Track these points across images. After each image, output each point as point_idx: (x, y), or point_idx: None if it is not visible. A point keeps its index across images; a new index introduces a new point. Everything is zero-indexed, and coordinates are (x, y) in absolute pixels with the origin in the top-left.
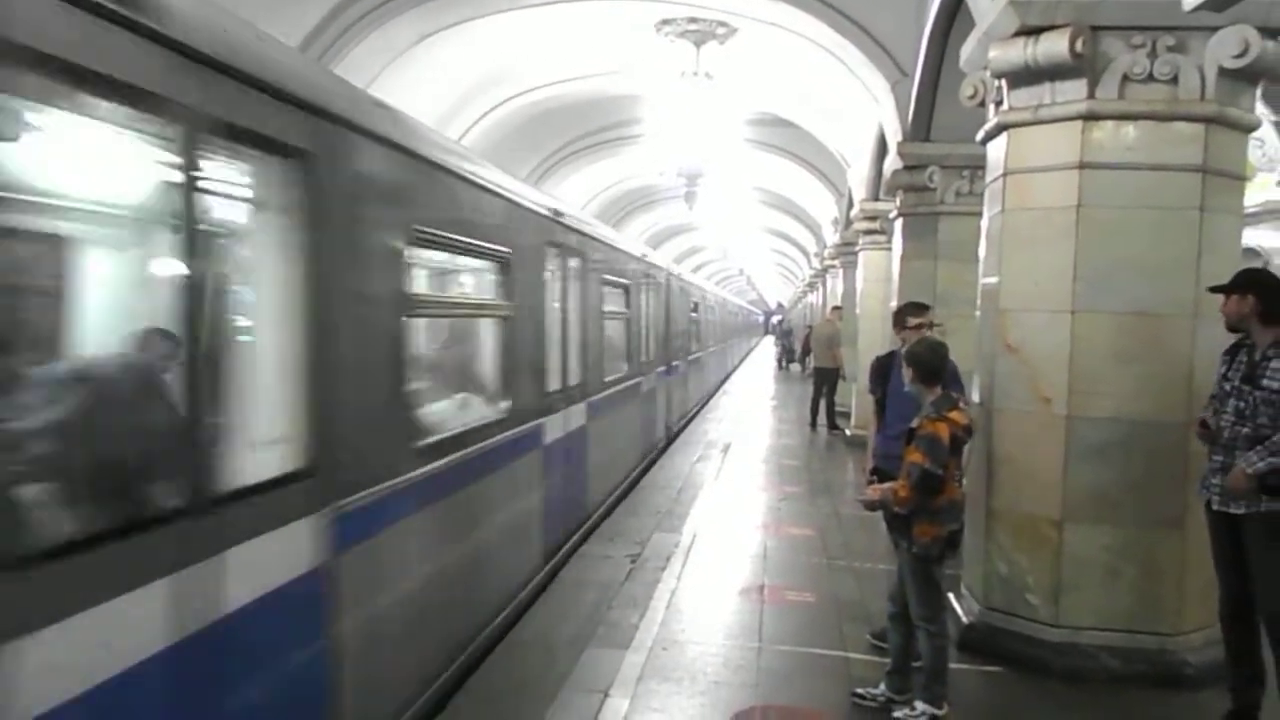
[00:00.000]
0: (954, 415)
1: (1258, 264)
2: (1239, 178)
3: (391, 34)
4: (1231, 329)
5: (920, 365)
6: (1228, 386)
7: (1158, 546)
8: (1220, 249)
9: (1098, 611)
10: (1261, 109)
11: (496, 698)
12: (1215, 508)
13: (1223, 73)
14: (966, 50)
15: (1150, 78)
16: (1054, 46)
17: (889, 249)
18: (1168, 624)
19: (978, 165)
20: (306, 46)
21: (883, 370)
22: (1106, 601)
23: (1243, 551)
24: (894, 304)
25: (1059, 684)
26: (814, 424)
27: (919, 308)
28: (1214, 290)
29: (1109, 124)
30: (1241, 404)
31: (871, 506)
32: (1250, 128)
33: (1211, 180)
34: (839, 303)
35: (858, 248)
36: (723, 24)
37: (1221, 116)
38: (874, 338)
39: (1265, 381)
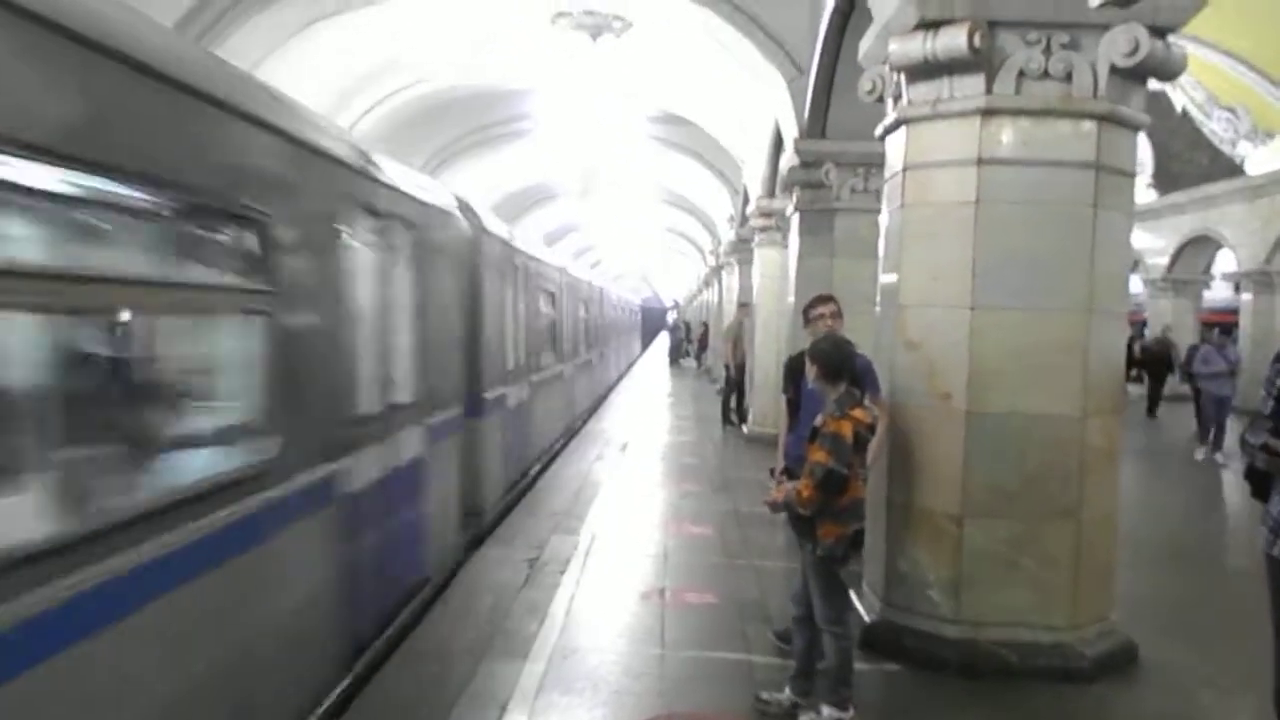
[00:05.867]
0: (857, 413)
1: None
2: (1129, 175)
3: (277, 18)
4: None
5: (824, 362)
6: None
7: (1053, 539)
8: (1112, 245)
9: (996, 606)
10: None
11: (392, 711)
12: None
13: (1114, 71)
14: (865, 44)
15: (1045, 74)
16: (952, 41)
17: (784, 246)
18: (1063, 617)
19: (873, 162)
20: (184, 26)
21: (795, 369)
22: (1004, 596)
23: None
24: (791, 300)
25: (959, 680)
26: (726, 420)
27: (823, 299)
28: None
29: (1006, 120)
30: None
31: (776, 508)
32: (1139, 126)
33: (1104, 177)
34: (745, 299)
35: (754, 245)
36: (619, 17)
37: (1113, 114)
38: (769, 334)
39: None
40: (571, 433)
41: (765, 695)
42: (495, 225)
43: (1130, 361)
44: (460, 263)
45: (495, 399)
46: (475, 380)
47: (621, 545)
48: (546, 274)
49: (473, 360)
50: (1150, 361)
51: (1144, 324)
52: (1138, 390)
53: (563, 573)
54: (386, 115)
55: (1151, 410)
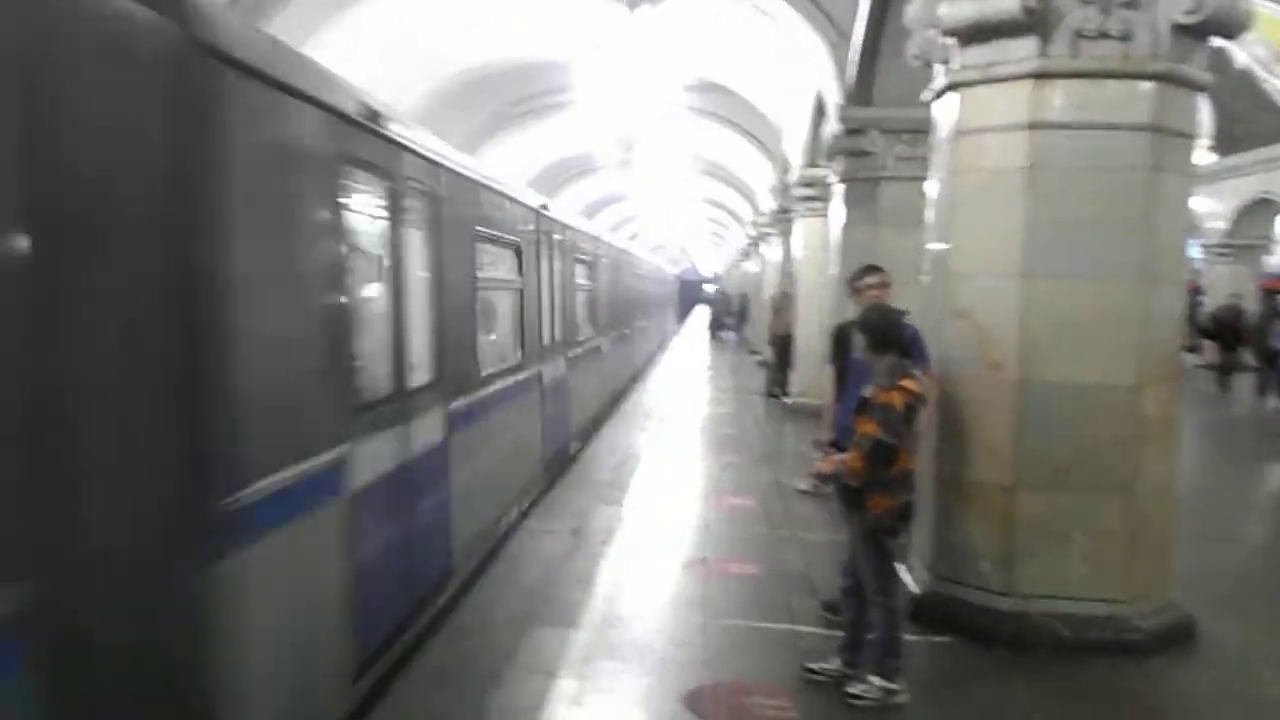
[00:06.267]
0: (907, 384)
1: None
2: (1189, 137)
3: None
4: None
5: (872, 333)
6: None
7: (1107, 511)
8: (1170, 209)
9: (1048, 579)
10: None
11: (440, 681)
12: None
13: (1175, 29)
14: (913, 8)
15: (1102, 34)
16: (1005, 2)
17: (827, 216)
18: (1118, 591)
19: (919, 129)
20: (233, 3)
21: (841, 340)
22: (1057, 568)
23: None
24: (834, 271)
25: (1010, 653)
26: (771, 392)
27: (871, 270)
28: None
29: (1060, 82)
30: None
31: (824, 479)
32: (1201, 86)
33: (1162, 139)
34: (789, 269)
35: (795, 215)
36: None
37: (1173, 74)
38: (810, 305)
39: None
40: (552, 477)
41: (813, 665)
42: (301, 70)
43: (1198, 331)
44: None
45: (299, 485)
46: (208, 466)
47: (663, 516)
48: (497, 216)
49: (204, 410)
50: (1221, 331)
51: (1199, 290)
52: (1194, 360)
53: (606, 543)
54: (429, 90)
55: (1221, 381)
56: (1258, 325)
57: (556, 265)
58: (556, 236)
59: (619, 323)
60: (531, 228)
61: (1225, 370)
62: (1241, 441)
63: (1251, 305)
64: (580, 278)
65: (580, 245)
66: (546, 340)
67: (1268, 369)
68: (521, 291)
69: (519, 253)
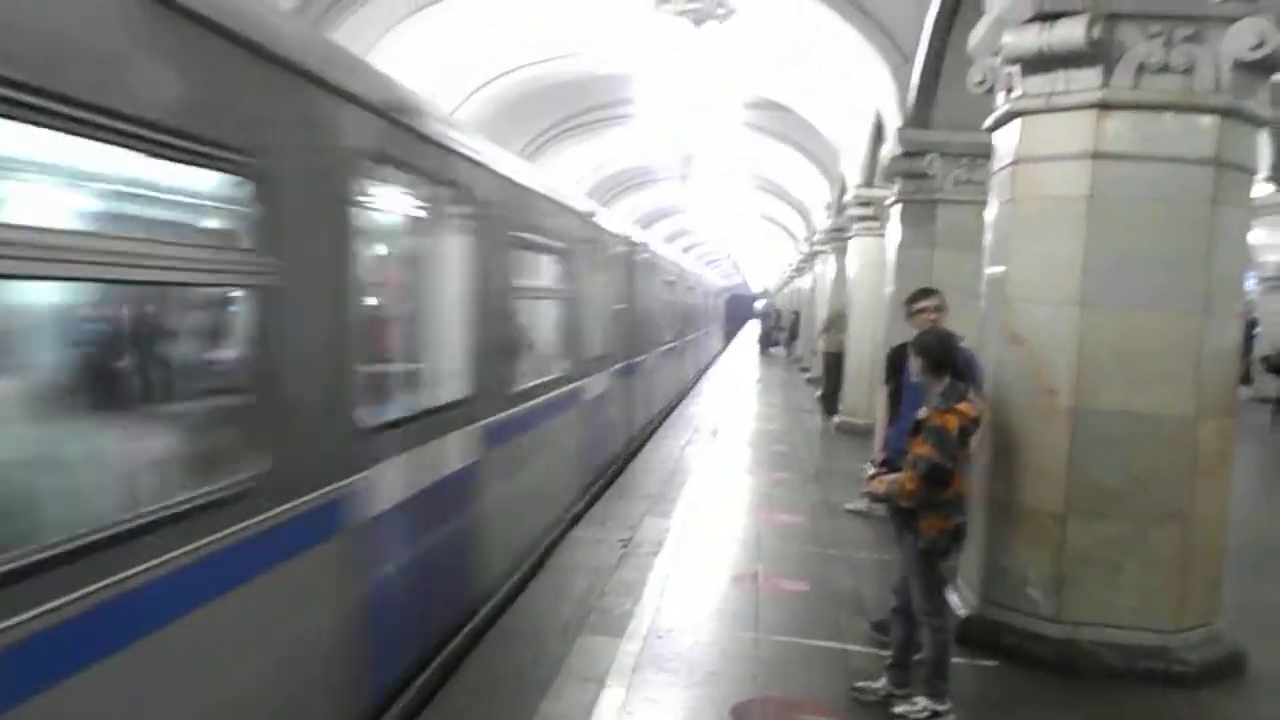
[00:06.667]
0: (962, 407)
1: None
2: (1249, 171)
3: (385, 5)
4: None
5: (928, 355)
6: None
7: (1159, 542)
8: (1230, 243)
9: (1098, 607)
10: None
11: (489, 687)
12: None
13: (1238, 65)
14: (976, 35)
15: (1165, 68)
16: (1070, 33)
17: (883, 236)
18: (1168, 621)
19: (977, 153)
20: (300, 13)
21: (897, 360)
22: (1107, 597)
23: None
24: (889, 290)
25: (1057, 679)
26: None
27: (927, 292)
28: None
29: (1123, 114)
30: None
31: (877, 499)
32: (1263, 122)
33: (1223, 173)
34: (843, 288)
35: (850, 234)
36: (722, 3)
37: (1235, 109)
38: (864, 324)
39: None
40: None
41: (861, 684)
42: None
43: (1266, 365)
44: None
45: None
46: None
47: (712, 530)
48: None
49: None
50: None
51: (1254, 323)
52: (1247, 392)
53: (655, 555)
54: (490, 99)
55: (1277, 416)
56: None
57: (483, 251)
58: (491, 199)
59: (630, 348)
60: (406, 172)
61: None
62: None
63: None
64: (548, 277)
65: (552, 226)
66: (424, 400)
67: None
68: (389, 306)
69: (334, 212)
